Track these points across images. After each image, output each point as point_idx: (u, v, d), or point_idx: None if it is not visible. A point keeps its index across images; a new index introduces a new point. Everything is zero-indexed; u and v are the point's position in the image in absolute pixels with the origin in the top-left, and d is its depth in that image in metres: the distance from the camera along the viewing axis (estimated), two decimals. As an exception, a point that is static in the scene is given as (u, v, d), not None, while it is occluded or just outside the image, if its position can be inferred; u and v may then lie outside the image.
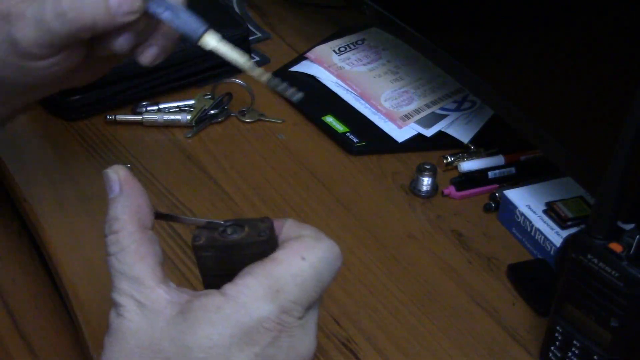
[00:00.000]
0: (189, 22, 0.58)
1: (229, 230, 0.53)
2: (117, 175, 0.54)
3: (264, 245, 0.52)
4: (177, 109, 0.94)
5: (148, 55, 0.62)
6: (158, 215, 0.54)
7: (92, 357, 0.70)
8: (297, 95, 0.59)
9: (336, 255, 0.53)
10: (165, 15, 0.58)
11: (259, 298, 0.50)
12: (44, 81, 0.63)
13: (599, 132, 0.75)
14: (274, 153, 0.91)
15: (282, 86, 0.59)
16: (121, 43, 0.60)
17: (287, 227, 0.54)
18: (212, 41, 0.58)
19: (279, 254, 0.52)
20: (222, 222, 0.54)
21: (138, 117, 0.93)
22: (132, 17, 0.58)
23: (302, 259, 0.51)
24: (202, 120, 0.94)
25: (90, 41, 0.61)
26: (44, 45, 0.59)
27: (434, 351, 0.72)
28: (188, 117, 0.93)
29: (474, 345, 0.72)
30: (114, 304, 0.51)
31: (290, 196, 0.86)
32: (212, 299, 0.50)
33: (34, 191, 0.84)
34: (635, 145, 0.57)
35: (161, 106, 0.95)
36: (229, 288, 0.51)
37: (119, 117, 0.93)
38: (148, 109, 0.94)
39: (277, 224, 0.54)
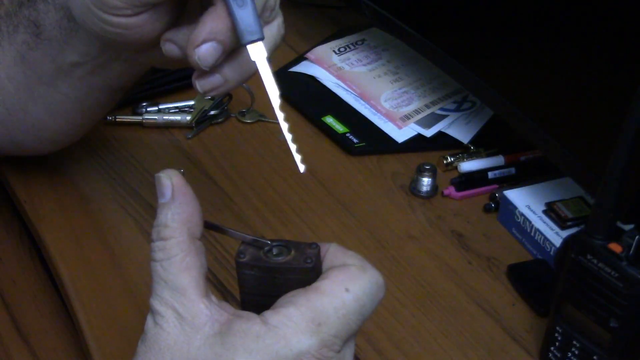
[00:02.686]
0: (250, 20, 0.52)
1: (274, 251, 0.52)
2: (170, 181, 0.52)
3: (308, 273, 0.51)
4: (177, 110, 0.95)
5: (207, 83, 0.56)
6: (206, 225, 0.53)
7: (92, 357, 0.70)
8: (303, 167, 0.56)
9: (380, 286, 0.52)
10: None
11: (300, 331, 0.49)
12: (130, 45, 0.60)
13: (598, 133, 0.75)
14: (273, 154, 0.91)
15: (294, 147, 0.56)
16: (170, 47, 0.57)
17: (331, 253, 0.53)
18: (259, 53, 0.53)
19: (322, 284, 0.50)
20: (268, 242, 0.52)
21: (138, 118, 0.93)
22: None
23: (346, 290, 0.50)
24: (202, 121, 0.94)
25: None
26: None
27: (434, 351, 0.72)
28: (188, 118, 0.93)
29: (473, 346, 0.72)
30: (152, 311, 0.50)
31: (291, 197, 0.86)
32: (252, 326, 0.49)
33: (34, 192, 0.84)
34: (634, 145, 0.57)
35: (161, 107, 0.95)
36: (270, 317, 0.49)
37: (119, 117, 0.93)
38: (148, 109, 0.94)
39: (321, 247, 0.53)
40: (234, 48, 0.55)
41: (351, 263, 0.52)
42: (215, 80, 0.57)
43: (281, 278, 0.52)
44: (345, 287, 0.50)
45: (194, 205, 0.52)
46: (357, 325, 0.51)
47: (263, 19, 0.56)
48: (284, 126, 0.55)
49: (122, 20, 0.57)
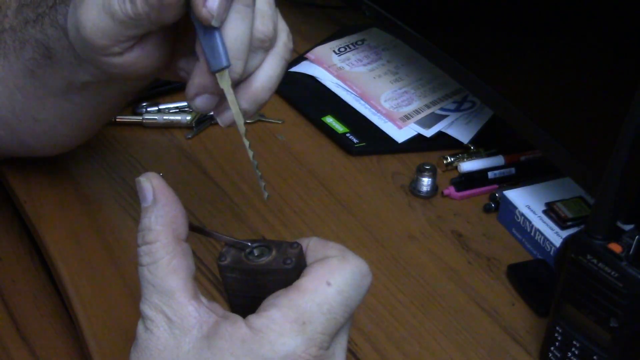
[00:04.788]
0: (216, 49, 0.54)
1: (255, 252, 0.52)
2: (150, 184, 0.52)
3: (289, 273, 0.51)
4: (177, 110, 0.95)
5: (227, 117, 0.58)
6: (191, 228, 0.53)
7: (92, 357, 0.70)
8: (265, 194, 0.58)
9: (364, 273, 0.51)
10: (199, 28, 0.54)
11: (285, 333, 0.48)
12: (133, 79, 0.62)
13: (598, 133, 0.75)
14: (274, 154, 0.91)
15: (258, 174, 0.57)
16: (183, 65, 0.60)
17: (311, 248, 0.52)
18: (225, 81, 0.55)
19: (303, 282, 0.50)
20: (248, 244, 0.52)
21: (138, 118, 0.93)
22: (166, 5, 0.54)
23: (327, 284, 0.49)
24: (202, 121, 0.94)
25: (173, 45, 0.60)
26: (107, 34, 0.56)
27: (434, 351, 0.72)
28: (188, 118, 0.93)
29: (474, 346, 0.72)
30: (142, 316, 0.51)
31: (290, 197, 0.86)
32: (238, 330, 0.49)
33: (34, 192, 0.84)
34: (634, 145, 0.57)
35: (161, 107, 0.95)
36: (254, 321, 0.49)
37: (119, 117, 0.93)
38: (148, 109, 0.94)
39: (302, 243, 0.52)
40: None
41: (332, 255, 0.51)
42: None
43: (262, 280, 0.51)
44: (327, 281, 0.50)
45: (177, 207, 0.52)
46: (344, 318, 0.50)
47: (262, 48, 0.57)
48: (250, 153, 0.57)
49: (116, 60, 0.59)
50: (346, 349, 0.52)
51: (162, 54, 0.60)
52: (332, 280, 0.50)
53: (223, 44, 0.54)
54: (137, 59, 0.59)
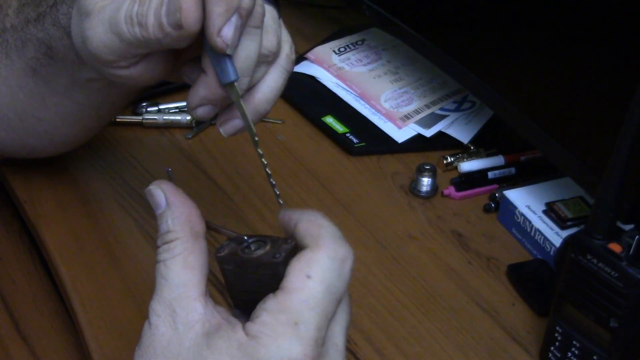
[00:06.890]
0: (224, 64, 0.55)
1: (252, 246, 0.52)
2: (161, 189, 0.53)
3: (277, 267, 0.51)
4: (177, 110, 0.95)
5: (230, 127, 0.60)
6: (207, 226, 0.54)
7: (92, 357, 0.70)
8: (280, 202, 0.60)
9: (342, 257, 0.51)
10: (208, 45, 0.55)
11: (279, 336, 0.48)
12: (139, 88, 0.64)
13: (598, 133, 0.75)
14: (274, 154, 0.91)
15: (273, 183, 0.60)
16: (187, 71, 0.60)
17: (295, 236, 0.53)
18: (235, 93, 0.56)
19: (286, 282, 0.50)
20: (245, 238, 0.53)
21: (138, 118, 0.93)
22: (184, 34, 0.54)
23: (307, 277, 0.49)
24: (202, 121, 0.94)
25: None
26: (114, 52, 0.57)
27: (434, 351, 0.72)
28: (188, 118, 0.93)
29: (474, 346, 0.72)
30: (150, 312, 0.51)
31: (290, 197, 0.86)
32: (236, 334, 0.49)
33: (34, 192, 0.84)
34: (634, 145, 0.57)
35: (161, 107, 0.95)
36: (250, 327, 0.49)
37: (119, 117, 0.93)
38: (148, 109, 0.94)
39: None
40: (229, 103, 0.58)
41: (306, 244, 0.51)
42: (236, 123, 0.60)
43: (254, 272, 0.52)
44: (306, 275, 0.49)
45: (190, 205, 0.53)
46: (333, 306, 0.50)
47: (266, 62, 0.59)
48: (264, 163, 0.59)
49: (122, 72, 0.59)
50: (343, 344, 0.52)
51: (167, 66, 0.61)
52: (310, 273, 0.50)
53: (232, 61, 0.55)
54: (142, 71, 0.60)
